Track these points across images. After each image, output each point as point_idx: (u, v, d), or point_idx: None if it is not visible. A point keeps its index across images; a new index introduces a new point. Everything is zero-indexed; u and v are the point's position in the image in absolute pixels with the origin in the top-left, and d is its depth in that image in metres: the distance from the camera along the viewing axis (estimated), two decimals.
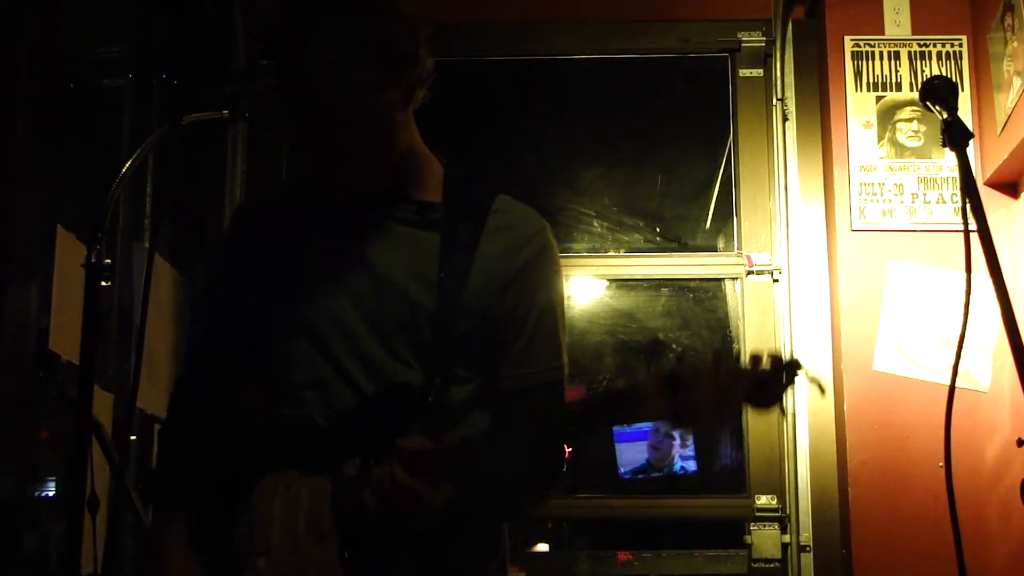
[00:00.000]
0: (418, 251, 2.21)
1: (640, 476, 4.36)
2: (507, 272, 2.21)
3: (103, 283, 1.99)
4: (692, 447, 4.35)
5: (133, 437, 3.84)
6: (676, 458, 4.35)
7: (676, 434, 4.35)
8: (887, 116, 4.02)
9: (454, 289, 2.17)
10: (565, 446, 2.27)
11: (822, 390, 1.96)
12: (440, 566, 2.14)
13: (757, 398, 1.91)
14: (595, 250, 4.51)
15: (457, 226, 2.22)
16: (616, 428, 4.33)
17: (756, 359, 1.90)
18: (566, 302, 2.34)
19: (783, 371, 1.89)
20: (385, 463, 2.02)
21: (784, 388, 1.90)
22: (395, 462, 2.01)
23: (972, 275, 2.09)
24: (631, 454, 4.35)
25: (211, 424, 2.28)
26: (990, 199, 3.88)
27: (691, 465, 4.37)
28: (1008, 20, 3.71)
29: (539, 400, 2.17)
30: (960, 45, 4.05)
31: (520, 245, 2.24)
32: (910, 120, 4.01)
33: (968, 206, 2.08)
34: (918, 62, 4.05)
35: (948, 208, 3.94)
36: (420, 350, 2.16)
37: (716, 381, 1.89)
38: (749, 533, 4.01)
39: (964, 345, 2.09)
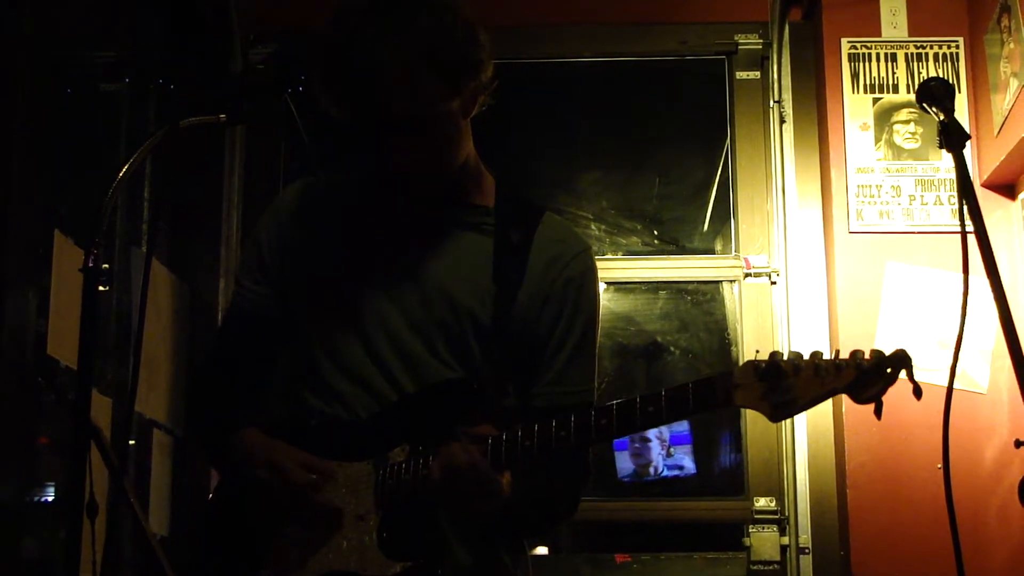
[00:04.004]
0: (470, 256, 2.24)
1: (644, 478, 4.35)
2: (550, 286, 2.24)
3: (101, 288, 1.99)
4: (678, 455, 4.34)
5: (132, 441, 3.84)
6: (661, 465, 4.34)
7: (654, 440, 4.34)
8: (884, 118, 4.02)
9: (507, 298, 2.20)
10: (589, 459, 2.29)
11: (918, 394, 1.88)
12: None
13: (858, 392, 1.90)
14: (593, 253, 4.50)
15: (510, 234, 2.25)
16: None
17: (858, 352, 1.90)
18: None
19: (888, 366, 1.88)
20: (452, 443, 2.04)
21: (888, 384, 1.89)
22: (469, 443, 2.04)
23: (970, 277, 2.09)
24: (626, 461, 4.34)
25: (239, 396, 2.30)
26: (987, 201, 3.88)
27: (679, 471, 4.36)
28: (1005, 22, 3.72)
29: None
30: (957, 47, 4.06)
31: (565, 262, 2.27)
32: (907, 122, 4.01)
33: (965, 208, 2.09)
34: (915, 64, 4.06)
35: (945, 210, 3.94)
36: (462, 353, 2.19)
37: (817, 370, 1.90)
38: (748, 535, 4.02)
39: (962, 347, 2.09)
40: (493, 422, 2.10)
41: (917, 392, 1.88)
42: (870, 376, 1.88)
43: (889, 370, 1.88)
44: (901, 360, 1.88)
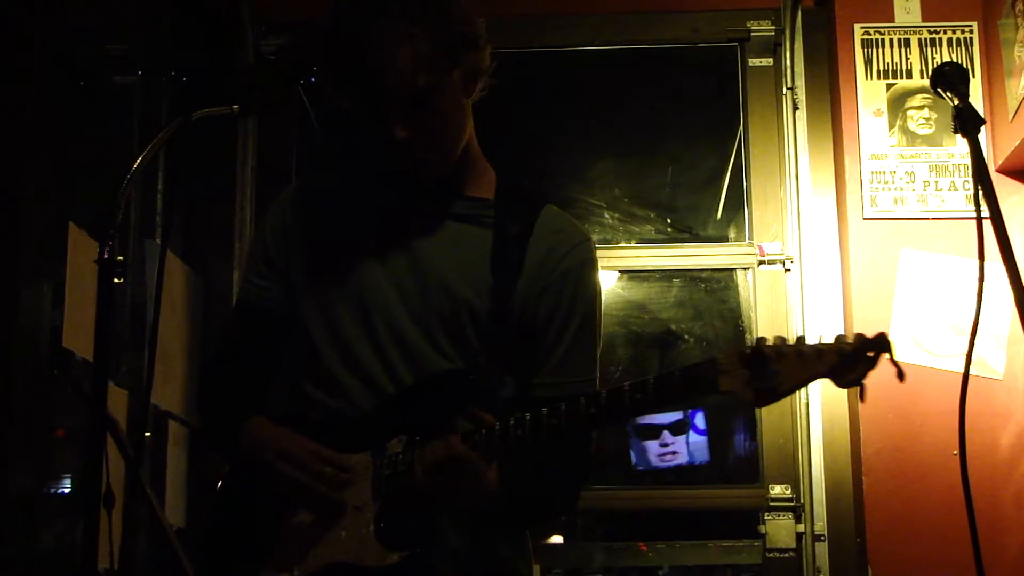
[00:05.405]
0: (469, 248, 2.24)
1: (661, 466, 4.36)
2: (547, 277, 2.24)
3: (116, 280, 1.99)
4: (699, 442, 4.35)
5: (148, 433, 3.85)
6: (684, 454, 4.34)
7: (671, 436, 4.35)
8: (898, 104, 4.01)
9: (505, 289, 2.20)
10: (591, 454, 2.28)
11: (901, 376, 1.90)
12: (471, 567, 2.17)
13: (840, 376, 1.91)
14: (606, 241, 4.50)
15: (509, 226, 2.25)
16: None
17: (841, 336, 1.91)
18: None
19: (869, 349, 1.89)
20: (440, 438, 2.05)
21: (869, 367, 1.90)
22: (451, 435, 2.04)
23: (985, 262, 2.08)
24: (644, 450, 4.35)
25: (245, 389, 2.31)
26: (1002, 186, 3.87)
27: (700, 458, 4.36)
28: (1019, 6, 3.70)
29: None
30: (971, 32, 4.04)
31: (564, 252, 2.26)
32: (921, 107, 4.00)
33: (980, 193, 2.08)
34: (928, 49, 4.04)
35: (960, 195, 3.93)
36: (461, 345, 2.20)
37: (800, 356, 1.90)
38: (764, 523, 4.01)
39: (978, 333, 2.09)
40: (491, 412, 2.10)
41: (900, 375, 1.90)
42: (851, 360, 1.89)
43: (870, 354, 1.89)
44: (881, 344, 1.89)
